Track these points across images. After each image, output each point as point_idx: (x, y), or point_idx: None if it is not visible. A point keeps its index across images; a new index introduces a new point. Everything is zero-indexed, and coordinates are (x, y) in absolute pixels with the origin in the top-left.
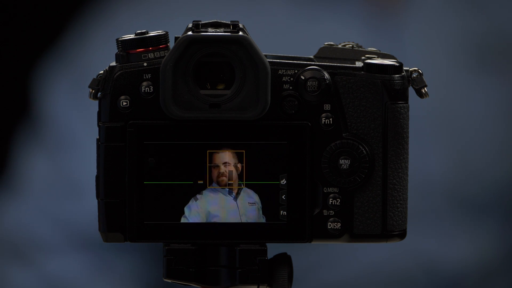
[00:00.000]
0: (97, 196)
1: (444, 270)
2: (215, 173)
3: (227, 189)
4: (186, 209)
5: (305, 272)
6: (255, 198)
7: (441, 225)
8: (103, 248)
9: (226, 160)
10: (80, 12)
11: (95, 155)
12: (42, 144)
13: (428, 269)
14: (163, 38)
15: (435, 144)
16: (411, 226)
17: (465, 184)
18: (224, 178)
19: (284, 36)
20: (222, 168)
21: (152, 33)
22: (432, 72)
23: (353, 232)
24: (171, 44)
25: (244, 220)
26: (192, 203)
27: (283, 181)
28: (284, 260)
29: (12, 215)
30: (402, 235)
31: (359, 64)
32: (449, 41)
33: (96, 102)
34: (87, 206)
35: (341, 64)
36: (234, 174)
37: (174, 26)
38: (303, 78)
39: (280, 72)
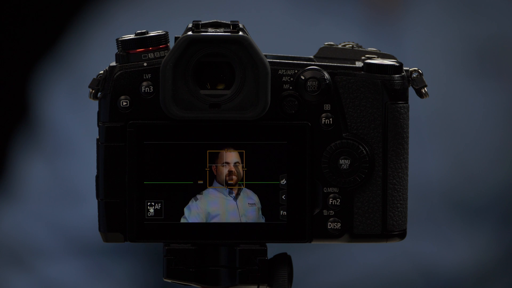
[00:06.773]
0: (97, 196)
1: (441, 273)
2: (224, 171)
3: (228, 189)
4: (186, 210)
5: (305, 273)
6: (255, 198)
7: (438, 228)
8: (101, 253)
9: (237, 160)
10: (78, 16)
11: (93, 159)
12: (40, 148)
13: (426, 272)
14: (163, 38)
15: (433, 148)
16: (409, 229)
17: (462, 187)
18: (234, 177)
19: (284, 36)
20: (233, 167)
21: (152, 33)
22: (431, 75)
23: (353, 232)
24: (171, 44)
25: (243, 220)
26: (192, 203)
27: (283, 181)
28: (284, 260)
29: (9, 220)
30: (402, 235)
31: (359, 64)
32: (448, 45)
33: (94, 105)
34: (85, 211)
35: (341, 64)
36: (240, 175)
37: (174, 26)
38: (303, 78)
39: (280, 72)
